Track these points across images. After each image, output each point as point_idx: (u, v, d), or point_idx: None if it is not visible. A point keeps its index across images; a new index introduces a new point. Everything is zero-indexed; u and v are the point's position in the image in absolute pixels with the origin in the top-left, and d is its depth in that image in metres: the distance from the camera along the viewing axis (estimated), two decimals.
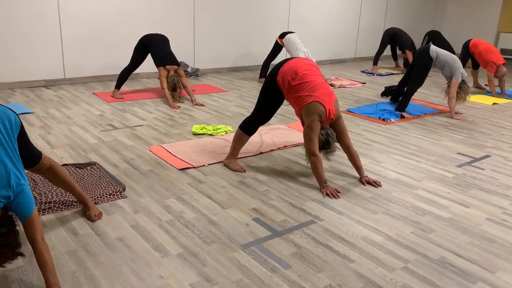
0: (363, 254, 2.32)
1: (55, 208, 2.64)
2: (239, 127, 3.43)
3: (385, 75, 8.09)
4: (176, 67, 5.37)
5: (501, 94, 6.54)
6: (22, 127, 2.04)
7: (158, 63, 5.34)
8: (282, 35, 6.64)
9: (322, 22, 8.93)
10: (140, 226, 2.52)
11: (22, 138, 2.06)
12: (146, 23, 6.58)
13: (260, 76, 6.96)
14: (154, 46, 5.37)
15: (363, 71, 8.39)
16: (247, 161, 3.58)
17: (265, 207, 2.80)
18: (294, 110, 3.27)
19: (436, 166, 3.64)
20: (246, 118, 3.43)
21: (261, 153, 3.78)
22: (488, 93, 6.69)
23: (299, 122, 4.35)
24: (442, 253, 2.36)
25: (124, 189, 2.95)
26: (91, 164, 3.32)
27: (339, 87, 6.84)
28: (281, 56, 7.02)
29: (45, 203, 2.66)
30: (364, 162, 3.55)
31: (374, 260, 2.27)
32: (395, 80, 7.40)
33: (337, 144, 3.22)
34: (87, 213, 2.57)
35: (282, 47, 6.72)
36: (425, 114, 5.32)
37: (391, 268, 2.22)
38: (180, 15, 6.95)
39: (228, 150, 3.59)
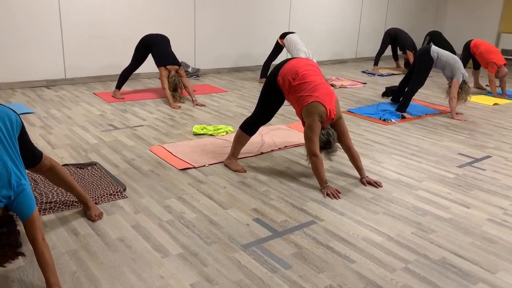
0: (364, 255, 2.32)
1: (56, 208, 2.64)
2: (239, 127, 3.43)
3: (386, 76, 8.08)
4: (177, 67, 5.37)
5: (502, 95, 6.53)
6: (23, 127, 2.04)
7: (159, 63, 5.35)
8: (283, 35, 6.64)
9: (323, 23, 8.93)
10: (140, 226, 2.52)
11: (23, 138, 2.06)
12: (147, 23, 6.58)
13: (261, 76, 6.96)
14: (155, 46, 5.37)
15: (364, 72, 8.39)
16: (247, 161, 3.58)
17: (266, 208, 2.80)
18: (294, 110, 3.27)
19: (437, 166, 3.64)
20: (247, 118, 3.43)
21: (262, 153, 3.78)
22: (489, 93, 6.68)
23: (300, 123, 4.34)
24: (443, 254, 2.36)
25: (124, 189, 2.95)
26: (92, 164, 3.32)
27: (340, 87, 6.84)
28: (282, 56, 7.01)
29: (46, 203, 2.66)
30: (364, 162, 3.54)
31: (374, 261, 2.27)
32: (396, 80, 7.39)
33: (338, 144, 3.21)
34: (88, 213, 2.57)
35: (283, 48, 6.72)
36: (426, 114, 5.31)
37: (392, 268, 2.22)
38: (181, 15, 6.95)
39: (228, 150, 3.59)
